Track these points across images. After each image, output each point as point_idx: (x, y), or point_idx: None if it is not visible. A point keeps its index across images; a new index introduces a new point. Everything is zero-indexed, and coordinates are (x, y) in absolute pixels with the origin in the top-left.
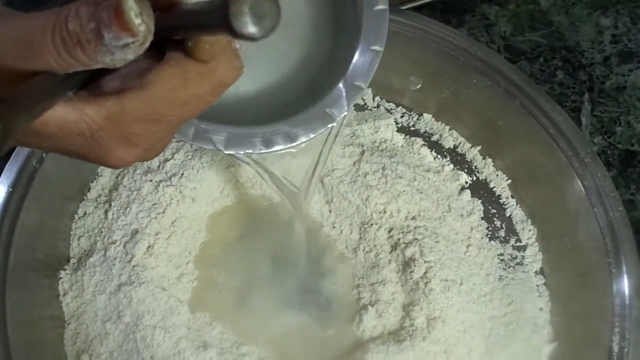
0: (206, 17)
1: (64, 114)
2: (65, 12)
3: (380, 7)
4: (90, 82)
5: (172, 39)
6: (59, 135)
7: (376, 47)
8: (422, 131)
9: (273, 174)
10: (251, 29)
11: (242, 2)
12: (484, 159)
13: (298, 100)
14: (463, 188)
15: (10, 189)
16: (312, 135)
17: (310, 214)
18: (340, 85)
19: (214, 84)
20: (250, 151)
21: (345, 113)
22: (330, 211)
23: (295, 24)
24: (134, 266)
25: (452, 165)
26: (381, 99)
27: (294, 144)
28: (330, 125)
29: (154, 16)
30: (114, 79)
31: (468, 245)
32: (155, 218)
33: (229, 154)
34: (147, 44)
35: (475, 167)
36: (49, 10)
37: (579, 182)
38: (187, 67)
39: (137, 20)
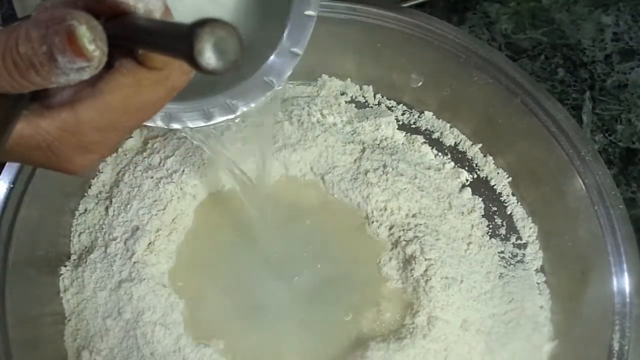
0: (166, 42)
1: (20, 130)
2: (15, 34)
3: None
4: (40, 91)
5: (121, 45)
6: (17, 149)
7: (309, 12)
8: (423, 129)
9: (229, 162)
10: (215, 64)
11: (206, 39)
12: (484, 156)
13: (254, 46)
14: (464, 186)
15: (11, 185)
16: (252, 105)
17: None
18: (277, 52)
19: (168, 89)
20: (191, 125)
21: (284, 80)
22: None
23: None
24: (134, 263)
25: (452, 163)
26: (382, 97)
27: (234, 115)
28: (269, 94)
29: (101, 23)
30: (65, 87)
31: (469, 243)
32: (156, 215)
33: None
34: (102, 66)
35: (476, 164)
36: None
37: (580, 180)
38: (139, 75)
39: (91, 47)
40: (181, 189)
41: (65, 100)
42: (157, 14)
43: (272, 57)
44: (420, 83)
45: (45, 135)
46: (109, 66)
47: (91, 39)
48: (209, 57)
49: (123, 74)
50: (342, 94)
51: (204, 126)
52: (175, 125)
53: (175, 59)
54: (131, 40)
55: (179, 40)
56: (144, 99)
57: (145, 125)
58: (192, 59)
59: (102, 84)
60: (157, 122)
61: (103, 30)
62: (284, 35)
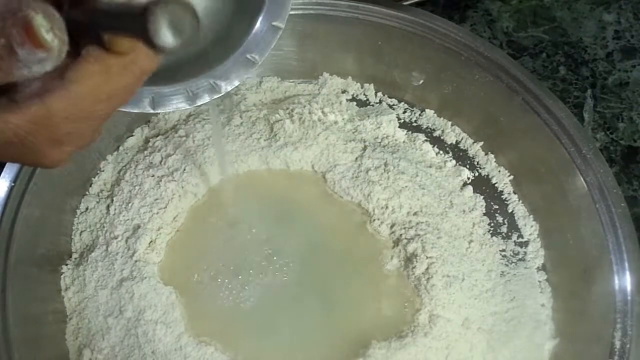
0: (124, 24)
1: None
2: None
3: None
4: (7, 85)
5: (87, 32)
6: None
7: None
8: (425, 127)
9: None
10: (171, 43)
11: (160, 19)
12: (486, 154)
13: (218, 49)
14: (465, 184)
15: (12, 184)
16: (236, 83)
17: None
18: (258, 28)
19: (137, 73)
20: (177, 108)
21: (265, 56)
22: None
23: None
24: (135, 261)
25: (454, 161)
26: (383, 95)
27: (219, 95)
28: (253, 70)
29: (65, 11)
30: (33, 79)
31: (470, 241)
32: (157, 213)
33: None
34: (63, 55)
35: (478, 163)
36: None
37: (582, 178)
38: (107, 62)
39: (49, 36)
40: (182, 187)
41: (33, 93)
42: None
43: (253, 33)
44: (422, 81)
45: (17, 130)
46: (76, 55)
47: (48, 28)
48: (164, 37)
49: (90, 61)
50: (343, 92)
51: (190, 108)
52: (161, 109)
53: (137, 41)
54: (94, 25)
55: (135, 21)
56: (114, 85)
57: (133, 111)
58: (148, 40)
59: (70, 74)
60: (145, 108)
61: (61, 19)
62: (264, 9)
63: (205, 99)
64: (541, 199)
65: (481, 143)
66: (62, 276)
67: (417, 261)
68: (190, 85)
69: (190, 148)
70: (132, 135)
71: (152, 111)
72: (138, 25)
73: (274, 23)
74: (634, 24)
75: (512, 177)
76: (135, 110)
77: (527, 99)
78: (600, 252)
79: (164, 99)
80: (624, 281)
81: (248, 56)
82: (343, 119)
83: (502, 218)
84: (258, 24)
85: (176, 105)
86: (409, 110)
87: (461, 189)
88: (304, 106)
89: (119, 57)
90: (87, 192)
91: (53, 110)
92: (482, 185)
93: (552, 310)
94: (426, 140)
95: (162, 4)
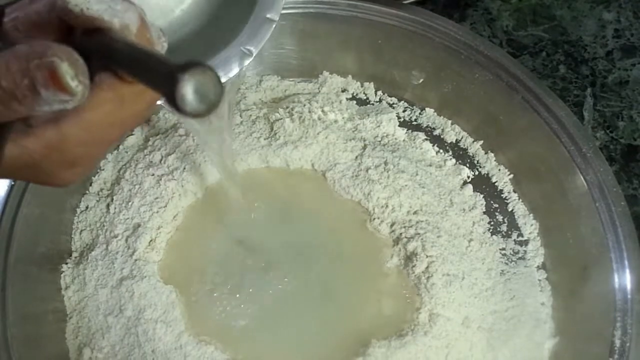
0: (147, 77)
1: (6, 151)
2: None
3: None
4: None
5: (99, 58)
6: (4, 169)
7: None
8: (424, 126)
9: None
10: (196, 109)
11: (188, 85)
12: (486, 153)
13: (212, 40)
14: (465, 183)
15: (12, 182)
16: (230, 75)
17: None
18: (252, 20)
19: (149, 100)
20: None
21: (260, 47)
22: None
23: None
24: (135, 260)
25: (454, 160)
26: (383, 94)
27: None
28: (247, 62)
29: (77, 36)
30: None
31: (470, 240)
32: (157, 212)
33: None
34: (85, 97)
35: (477, 161)
36: None
37: (581, 177)
38: (120, 90)
39: (74, 83)
40: (182, 186)
41: (48, 118)
42: (133, 28)
43: (247, 26)
44: (422, 80)
45: (32, 154)
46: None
47: (73, 75)
48: (190, 103)
49: (104, 89)
50: (343, 90)
51: None
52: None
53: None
54: (110, 62)
55: (161, 80)
56: (126, 112)
57: None
58: (174, 103)
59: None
60: None
61: (85, 64)
62: (258, 2)
63: None
64: (541, 197)
65: (481, 142)
66: (62, 275)
67: (417, 260)
68: None
69: (190, 147)
70: (132, 134)
71: None
72: (164, 87)
73: (267, 15)
74: (634, 23)
75: (512, 175)
76: None
77: (527, 98)
78: (600, 251)
79: None
80: (624, 280)
81: (242, 48)
82: (343, 118)
83: (502, 217)
84: (252, 17)
85: None
86: (408, 109)
87: (461, 187)
88: (304, 105)
89: (132, 85)
90: (87, 191)
91: (67, 136)
92: (482, 184)
93: (552, 308)
94: (426, 139)
95: (190, 72)
